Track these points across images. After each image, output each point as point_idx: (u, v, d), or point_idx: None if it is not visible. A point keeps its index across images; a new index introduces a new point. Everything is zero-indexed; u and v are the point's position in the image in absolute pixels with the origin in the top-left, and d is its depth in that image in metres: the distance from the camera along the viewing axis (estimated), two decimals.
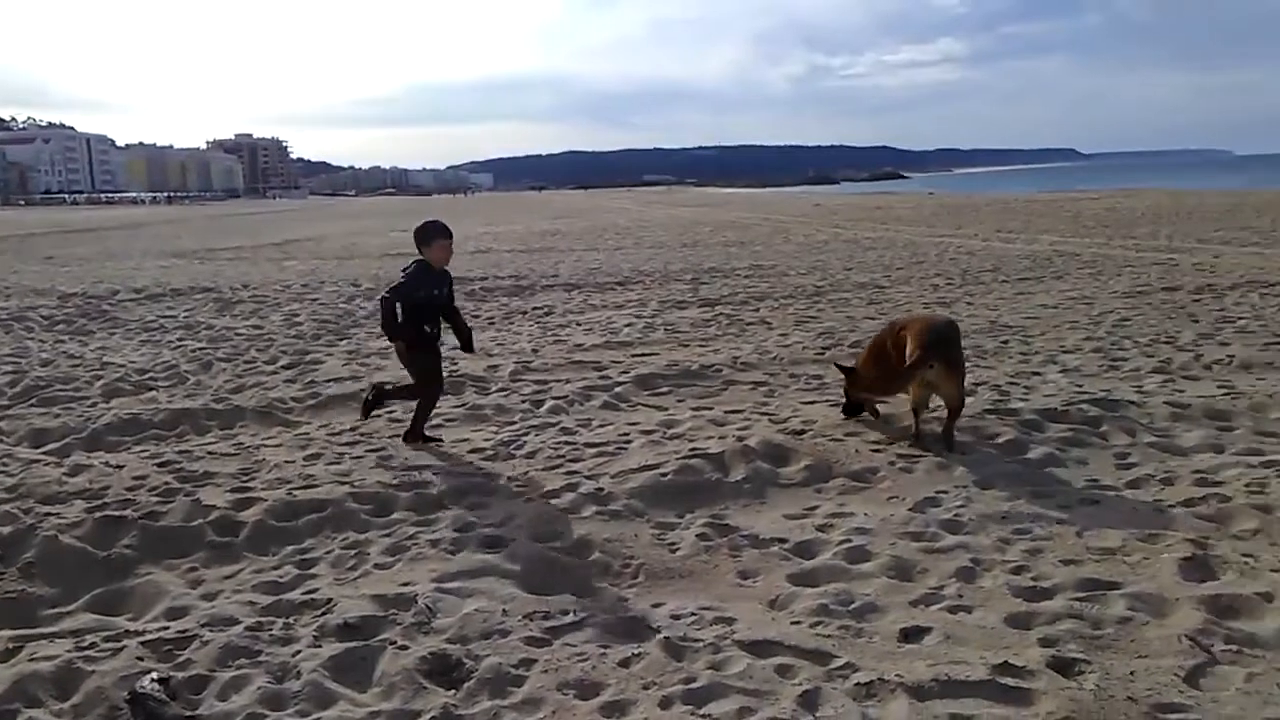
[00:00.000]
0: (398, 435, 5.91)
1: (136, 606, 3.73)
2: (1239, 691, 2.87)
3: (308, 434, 6.13)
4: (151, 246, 27.16)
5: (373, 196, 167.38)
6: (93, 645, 3.32)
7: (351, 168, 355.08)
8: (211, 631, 3.39)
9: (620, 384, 7.25)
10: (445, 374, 6.18)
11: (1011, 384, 6.83)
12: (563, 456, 5.48)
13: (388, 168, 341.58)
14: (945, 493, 4.68)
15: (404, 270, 5.60)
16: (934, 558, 3.94)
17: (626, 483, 4.92)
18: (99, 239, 32.66)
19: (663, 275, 15.28)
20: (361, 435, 6.02)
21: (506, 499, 4.77)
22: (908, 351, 5.32)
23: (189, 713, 2.93)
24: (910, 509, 4.49)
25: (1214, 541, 3.96)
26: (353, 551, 4.19)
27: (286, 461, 5.46)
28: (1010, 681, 2.94)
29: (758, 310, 11.22)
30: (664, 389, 7.19)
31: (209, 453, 5.69)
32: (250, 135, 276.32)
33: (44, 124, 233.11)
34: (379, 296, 5.60)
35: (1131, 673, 2.98)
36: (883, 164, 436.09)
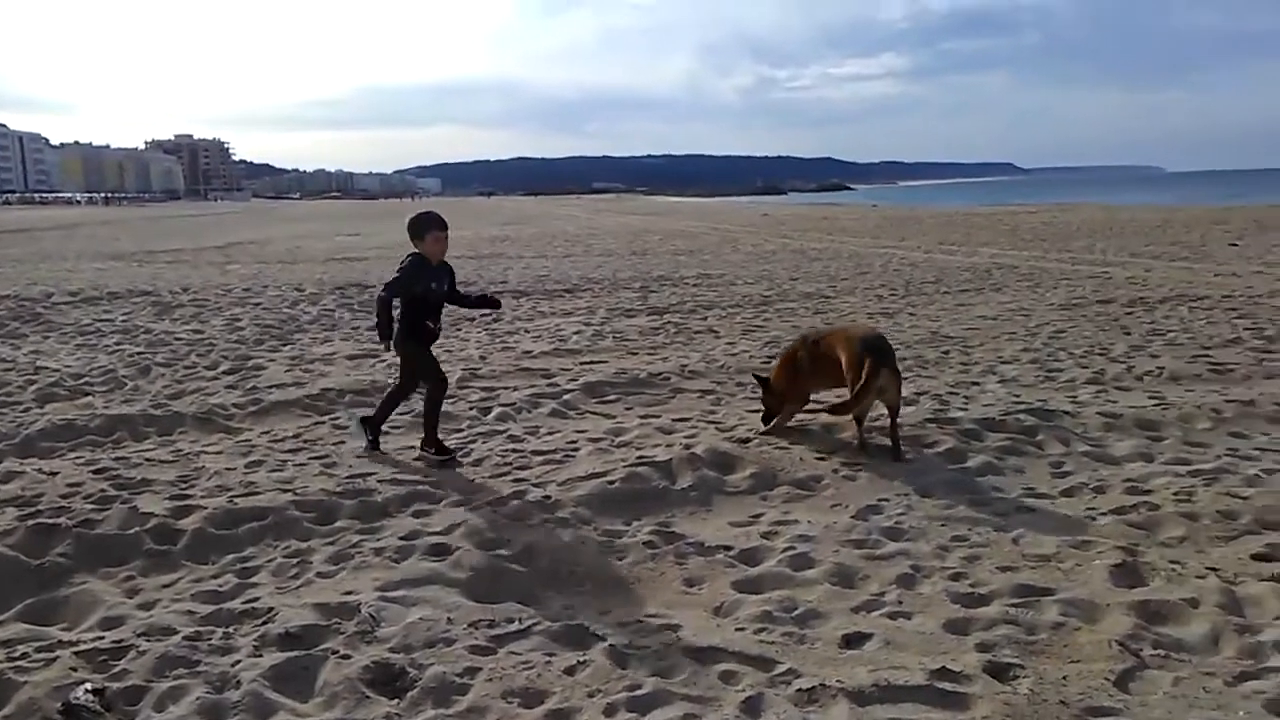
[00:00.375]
0: (341, 442, 5.85)
1: (71, 616, 3.64)
2: (1166, 695, 2.97)
3: (249, 441, 6.03)
4: (87, 248, 26.51)
5: (317, 200, 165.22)
6: (25, 655, 3.24)
7: (296, 170, 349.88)
8: (148, 641, 3.32)
9: (568, 392, 7.25)
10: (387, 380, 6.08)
11: (951, 393, 6.97)
12: (510, 464, 5.47)
13: (333, 171, 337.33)
14: (887, 500, 4.76)
15: (399, 266, 5.41)
16: (875, 564, 4.01)
17: (574, 490, 4.93)
18: (32, 239, 31.81)
19: (611, 283, 15.30)
20: (305, 442, 5.95)
21: (452, 507, 4.75)
22: (843, 363, 5.40)
23: None
24: (853, 516, 4.57)
25: (1143, 549, 4.09)
26: (295, 560, 4.13)
27: (227, 469, 5.37)
28: (948, 686, 3.01)
29: (705, 319, 11.29)
30: (612, 397, 7.21)
31: (147, 459, 5.58)
32: (191, 136, 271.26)
33: None
34: (376, 295, 5.41)
35: (1064, 677, 3.06)
36: (828, 175, 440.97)
